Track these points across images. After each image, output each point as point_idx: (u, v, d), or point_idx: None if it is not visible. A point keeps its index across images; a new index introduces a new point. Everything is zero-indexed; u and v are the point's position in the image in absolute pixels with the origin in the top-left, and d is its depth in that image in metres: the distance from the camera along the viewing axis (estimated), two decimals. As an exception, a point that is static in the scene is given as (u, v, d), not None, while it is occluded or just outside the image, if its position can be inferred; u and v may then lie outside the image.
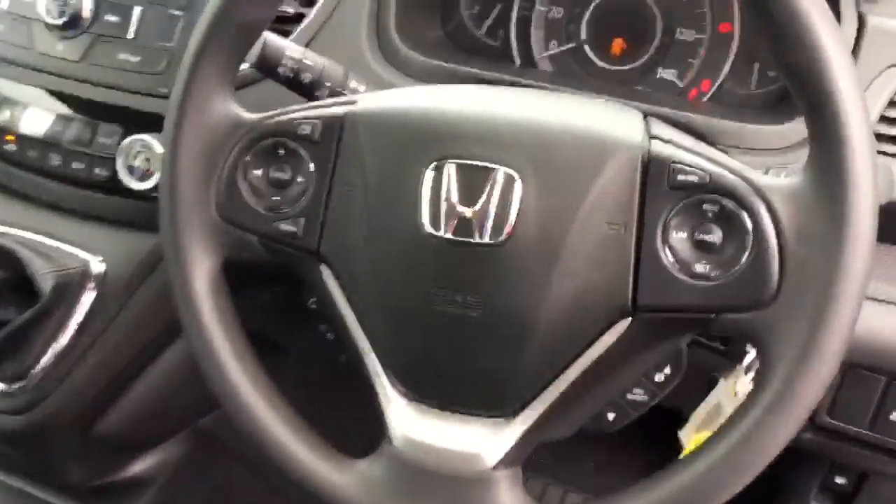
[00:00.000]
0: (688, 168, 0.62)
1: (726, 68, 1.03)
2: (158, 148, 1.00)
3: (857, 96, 0.56)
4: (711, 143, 0.88)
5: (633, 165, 0.63)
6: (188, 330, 0.72)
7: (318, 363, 1.09)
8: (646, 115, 0.71)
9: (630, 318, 0.64)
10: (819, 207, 0.58)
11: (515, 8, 1.11)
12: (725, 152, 0.68)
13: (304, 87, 0.84)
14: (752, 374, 0.79)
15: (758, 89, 1.02)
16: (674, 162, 0.63)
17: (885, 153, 0.83)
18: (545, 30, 1.10)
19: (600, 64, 1.08)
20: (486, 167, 0.64)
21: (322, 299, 0.73)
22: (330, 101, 0.74)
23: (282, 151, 0.72)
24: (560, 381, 0.66)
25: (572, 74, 1.09)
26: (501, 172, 0.64)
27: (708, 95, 1.04)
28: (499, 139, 0.65)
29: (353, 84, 0.86)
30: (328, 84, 0.84)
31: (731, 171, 0.62)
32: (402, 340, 0.69)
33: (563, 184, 0.64)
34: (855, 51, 0.85)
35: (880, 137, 0.82)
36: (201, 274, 0.71)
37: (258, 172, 0.72)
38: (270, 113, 0.73)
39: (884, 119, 0.83)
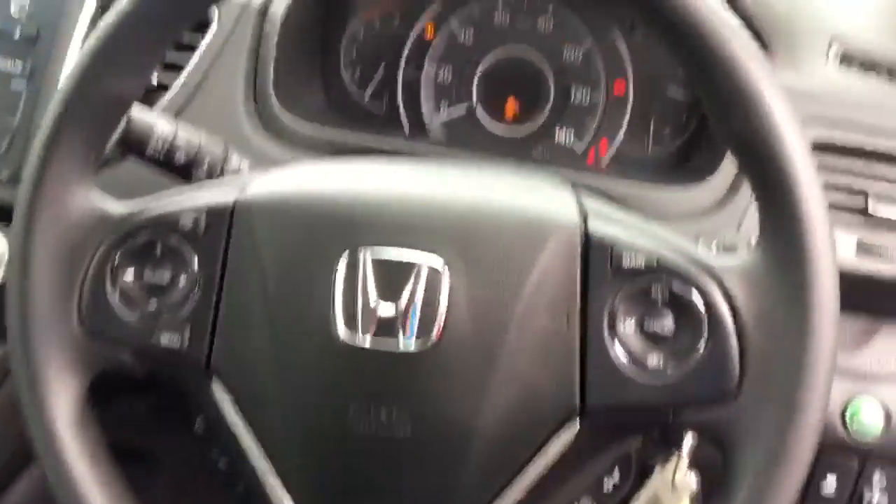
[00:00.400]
0: (631, 250, 0.56)
1: (623, 130, 1.00)
2: (3, 245, 0.85)
3: (812, 171, 0.52)
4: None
5: (571, 249, 0.57)
6: (49, 471, 0.59)
7: (197, 477, 0.95)
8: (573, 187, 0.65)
9: (578, 422, 0.57)
10: (778, 289, 0.53)
11: (401, 71, 1.04)
12: None
13: (179, 168, 0.73)
14: (688, 463, 0.73)
15: (654, 151, 1.00)
16: (615, 244, 0.57)
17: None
18: (435, 93, 1.04)
19: (494, 128, 1.03)
20: (409, 258, 0.56)
21: (213, 421, 0.61)
22: (214, 185, 0.63)
23: (158, 250, 0.60)
24: (502, 500, 0.57)
25: (466, 141, 1.03)
26: (426, 264, 0.56)
27: (607, 159, 1.01)
28: (422, 224, 0.57)
29: (234, 161, 0.76)
30: (206, 163, 0.74)
31: (679, 251, 0.56)
32: (315, 467, 0.58)
33: (497, 273, 0.56)
34: None
35: None
36: (62, 404, 0.58)
37: (130, 276, 0.60)
38: (142, 203, 0.61)
39: None
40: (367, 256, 0.56)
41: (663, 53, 0.96)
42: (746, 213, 0.81)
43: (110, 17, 0.57)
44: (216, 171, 0.74)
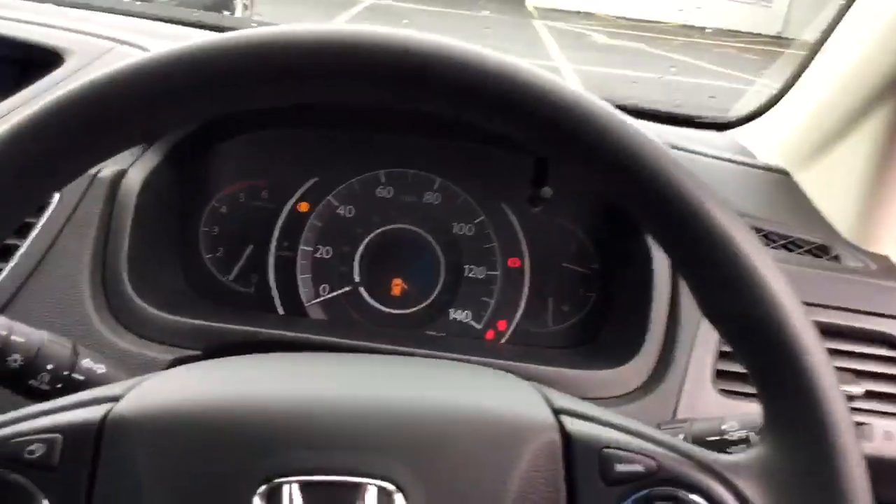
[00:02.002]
0: (624, 453, 0.46)
1: (522, 306, 0.93)
2: None
3: (828, 359, 0.45)
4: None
5: (552, 455, 0.46)
6: None
7: None
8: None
9: None
10: (800, 486, 0.45)
11: (272, 249, 0.93)
12: None
13: (12, 376, 0.56)
14: None
15: (555, 326, 0.94)
16: (606, 447, 0.46)
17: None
18: (313, 273, 0.93)
19: (380, 308, 0.93)
20: (349, 483, 0.43)
21: None
22: (67, 400, 0.47)
23: None
24: None
25: (350, 322, 0.92)
26: (372, 488, 0.43)
27: (506, 336, 0.93)
28: (363, 437, 0.44)
29: (86, 364, 0.59)
30: (49, 367, 0.57)
31: (678, 451, 0.47)
32: None
33: (461, 496, 0.44)
34: (674, 283, 0.79)
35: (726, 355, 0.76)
36: None
37: None
38: None
39: (720, 374, 0.77)
40: (292, 489, 0.42)
41: (555, 226, 0.95)
42: (680, 395, 0.74)
43: None
44: (61, 380, 0.58)
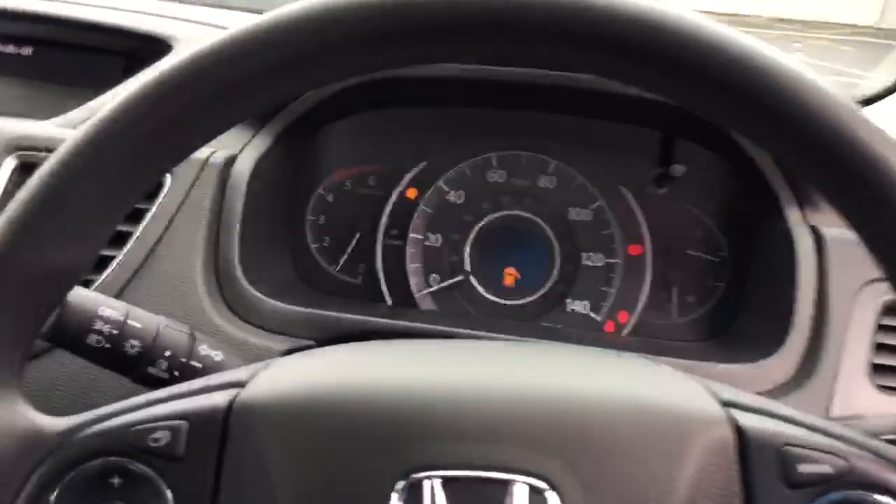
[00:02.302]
0: (809, 452, 0.40)
1: (644, 296, 0.87)
2: None
3: None
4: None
5: (723, 454, 0.40)
6: None
7: None
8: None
9: None
10: None
11: (380, 238, 0.90)
12: None
13: (129, 362, 0.54)
14: None
15: (680, 318, 0.87)
16: (788, 444, 0.41)
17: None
18: (423, 262, 0.89)
19: (493, 299, 0.88)
20: (496, 479, 0.38)
21: None
22: (195, 385, 0.44)
23: (116, 479, 0.40)
24: None
25: (460, 312, 0.88)
26: (521, 485, 0.38)
27: (628, 328, 0.87)
28: (512, 429, 0.40)
29: (204, 350, 0.57)
30: (167, 354, 0.55)
31: (871, 449, 0.41)
32: None
33: (621, 497, 0.39)
34: (822, 268, 0.72)
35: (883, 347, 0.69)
36: None
37: None
38: (90, 415, 0.42)
39: (882, 328, 0.69)
40: (434, 485, 0.38)
41: (679, 211, 0.89)
42: (833, 391, 0.67)
43: (46, 170, 0.40)
44: (178, 367, 0.55)
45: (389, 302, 0.89)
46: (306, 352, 0.49)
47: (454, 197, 0.89)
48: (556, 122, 0.86)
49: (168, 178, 0.73)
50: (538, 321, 0.87)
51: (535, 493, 0.38)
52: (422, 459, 0.39)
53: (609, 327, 0.87)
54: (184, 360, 0.56)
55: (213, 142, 0.77)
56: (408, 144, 0.90)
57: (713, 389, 0.44)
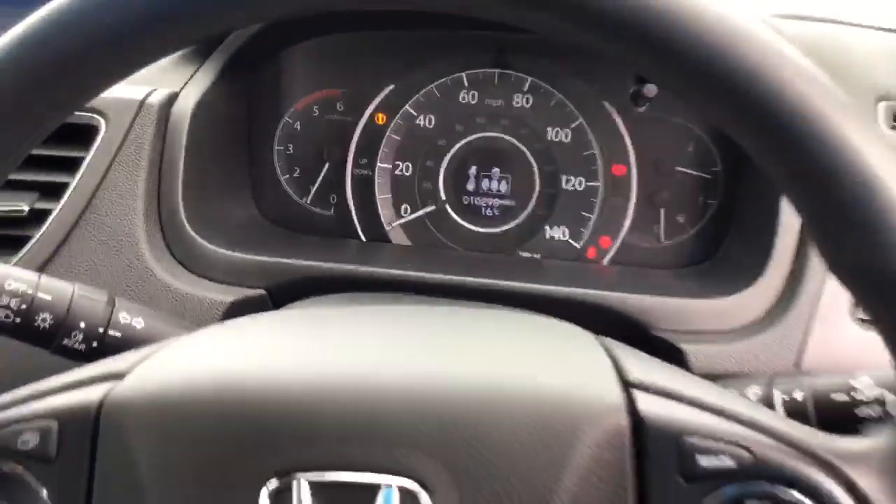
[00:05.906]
0: (709, 443, 0.36)
1: (628, 219, 0.81)
2: None
3: None
4: (645, 328, 0.66)
5: (615, 447, 0.36)
6: None
7: None
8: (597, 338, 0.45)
9: None
10: None
11: (349, 168, 0.85)
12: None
13: (43, 336, 0.52)
14: None
15: (668, 241, 0.81)
16: (685, 434, 0.36)
17: None
18: (393, 192, 0.84)
19: (469, 227, 0.84)
20: (365, 481, 0.35)
21: None
22: (68, 379, 0.42)
23: None
24: None
25: (435, 246, 0.84)
26: (392, 488, 0.35)
27: (610, 254, 0.81)
28: (383, 426, 0.37)
29: (124, 319, 0.55)
30: (82, 326, 0.53)
31: (779, 436, 0.36)
32: None
33: (500, 499, 0.36)
34: None
35: None
36: None
37: None
38: None
39: None
40: (300, 482, 0.35)
41: (668, 126, 0.82)
42: (810, 326, 0.62)
43: None
44: (96, 337, 0.53)
45: (363, 237, 0.85)
46: (201, 331, 0.45)
47: (424, 121, 0.83)
48: (528, 38, 0.79)
49: (102, 123, 0.69)
50: (516, 251, 0.82)
51: (406, 495, 0.35)
52: (290, 459, 0.36)
53: (591, 253, 0.82)
54: (101, 329, 0.54)
55: (153, 80, 0.73)
56: (373, 67, 0.84)
57: (623, 365, 0.40)
